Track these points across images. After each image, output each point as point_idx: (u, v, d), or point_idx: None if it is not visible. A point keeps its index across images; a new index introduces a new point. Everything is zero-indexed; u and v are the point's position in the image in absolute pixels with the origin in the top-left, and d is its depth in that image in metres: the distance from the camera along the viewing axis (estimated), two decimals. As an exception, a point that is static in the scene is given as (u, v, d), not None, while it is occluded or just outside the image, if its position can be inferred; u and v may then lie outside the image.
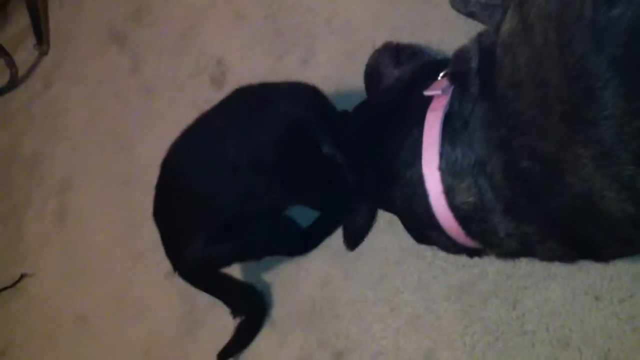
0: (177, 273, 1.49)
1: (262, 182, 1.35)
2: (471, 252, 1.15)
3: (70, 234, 2.17)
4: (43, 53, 2.46)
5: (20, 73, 2.52)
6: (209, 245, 1.40)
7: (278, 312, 1.53)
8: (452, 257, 1.27)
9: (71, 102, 2.31)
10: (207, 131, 1.44)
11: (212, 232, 1.39)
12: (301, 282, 1.51)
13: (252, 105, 1.39)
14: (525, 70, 0.90)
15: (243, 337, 1.56)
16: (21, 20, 2.57)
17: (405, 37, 1.40)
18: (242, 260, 1.55)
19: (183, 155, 1.46)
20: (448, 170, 1.02)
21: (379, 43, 1.37)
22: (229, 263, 1.51)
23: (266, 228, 1.44)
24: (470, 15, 1.27)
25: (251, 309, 1.56)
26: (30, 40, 2.46)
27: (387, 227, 1.39)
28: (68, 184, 2.22)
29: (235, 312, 1.55)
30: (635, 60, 0.78)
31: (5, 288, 2.28)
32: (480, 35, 1.05)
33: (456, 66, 1.07)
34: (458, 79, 1.05)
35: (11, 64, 2.47)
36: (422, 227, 1.13)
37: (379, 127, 1.19)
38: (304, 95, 1.41)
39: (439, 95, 1.06)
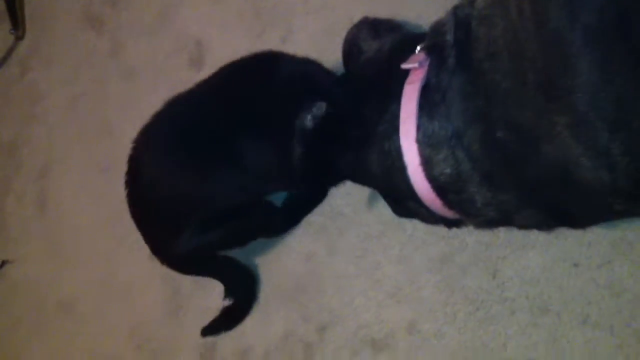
0: (165, 265, 1.51)
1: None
2: (450, 223, 1.16)
3: (52, 219, 2.15)
4: (19, 38, 2.42)
5: (-4, 59, 2.49)
6: (198, 236, 1.41)
7: (262, 289, 1.54)
8: (431, 229, 1.28)
9: (50, 87, 2.28)
10: (188, 116, 1.41)
11: (200, 222, 1.40)
12: (284, 259, 1.51)
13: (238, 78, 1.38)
14: (501, 41, 0.90)
15: (231, 319, 1.56)
16: (-5, 5, 2.52)
17: (382, 12, 1.40)
18: (228, 247, 1.53)
19: (158, 147, 1.44)
20: (425, 142, 1.02)
21: (356, 19, 1.37)
22: (216, 251, 1.52)
23: (250, 214, 1.44)
24: (447, -11, 1.27)
25: (244, 290, 1.56)
26: (6, 25, 2.42)
27: (367, 202, 1.40)
28: (48, 170, 2.20)
29: (228, 293, 1.55)
30: (609, 28, 0.79)
31: (-12, 275, 2.27)
32: (455, 7, 1.06)
33: (432, 39, 1.08)
34: (435, 52, 1.05)
35: (-14, 50, 2.44)
36: (401, 199, 1.14)
37: (359, 100, 1.19)
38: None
39: (416, 68, 1.07)
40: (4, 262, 2.23)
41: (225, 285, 1.55)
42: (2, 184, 2.33)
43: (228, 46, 1.75)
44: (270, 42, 1.65)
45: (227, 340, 1.57)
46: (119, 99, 2.04)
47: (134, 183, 1.45)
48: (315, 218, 1.48)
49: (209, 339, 1.60)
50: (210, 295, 1.62)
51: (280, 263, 1.52)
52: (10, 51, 2.45)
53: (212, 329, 1.56)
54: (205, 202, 1.40)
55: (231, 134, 1.32)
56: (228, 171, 1.36)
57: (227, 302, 1.55)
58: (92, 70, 2.15)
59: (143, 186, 1.44)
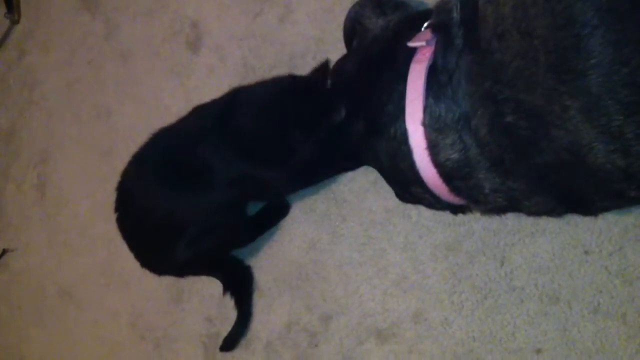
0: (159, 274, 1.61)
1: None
2: (456, 209, 1.13)
3: (52, 206, 2.13)
4: (14, 22, 2.39)
5: (-8, 44, 2.46)
6: (193, 245, 1.46)
7: (264, 278, 1.51)
8: (437, 216, 1.25)
9: (46, 71, 2.26)
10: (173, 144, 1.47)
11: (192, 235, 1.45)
12: (286, 247, 1.48)
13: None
14: (510, 19, 0.87)
15: (239, 323, 1.54)
16: (-11, -12, 2.48)
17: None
18: (221, 252, 1.57)
19: (147, 174, 1.49)
20: (432, 126, 0.99)
21: (358, -3, 1.33)
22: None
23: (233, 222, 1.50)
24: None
25: (240, 284, 1.55)
26: (0, 9, 2.38)
27: (372, 188, 1.36)
28: (47, 155, 2.17)
29: (226, 288, 1.56)
30: (622, 6, 0.75)
31: (-12, 264, 2.25)
32: (461, -16, 1.02)
33: (438, 17, 1.04)
34: (441, 30, 1.01)
35: (-18, 35, 2.41)
36: (406, 184, 1.11)
37: (366, 80, 1.15)
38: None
39: (424, 46, 1.03)
40: (4, 251, 2.21)
41: (221, 281, 1.56)
42: (1, 171, 2.31)
43: (225, 27, 1.71)
44: (269, 22, 1.61)
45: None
46: (116, 81, 2.01)
47: (123, 209, 1.53)
48: (318, 205, 1.45)
49: (212, 329, 1.58)
50: (212, 282, 1.59)
51: (283, 251, 1.49)
52: (5, 36, 2.42)
53: (229, 343, 1.54)
54: (193, 219, 1.45)
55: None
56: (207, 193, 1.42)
57: (227, 296, 1.55)
58: (88, 52, 2.11)
59: (134, 210, 1.52)
